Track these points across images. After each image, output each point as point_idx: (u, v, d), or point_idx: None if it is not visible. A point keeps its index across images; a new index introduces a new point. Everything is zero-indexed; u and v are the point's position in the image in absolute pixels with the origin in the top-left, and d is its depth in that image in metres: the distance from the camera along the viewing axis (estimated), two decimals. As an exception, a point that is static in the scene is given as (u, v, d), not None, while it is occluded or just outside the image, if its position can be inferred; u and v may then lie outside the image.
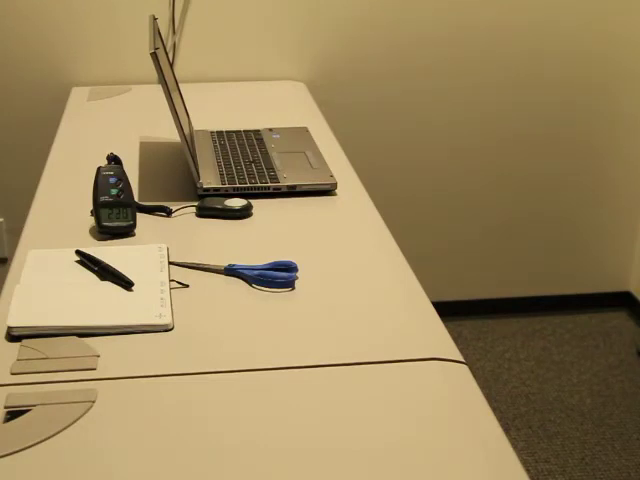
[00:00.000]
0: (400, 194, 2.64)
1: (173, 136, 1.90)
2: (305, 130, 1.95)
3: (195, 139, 1.85)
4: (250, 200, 1.56)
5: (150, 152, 1.84)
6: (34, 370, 1.08)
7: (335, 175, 1.70)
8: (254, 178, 1.65)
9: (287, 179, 1.65)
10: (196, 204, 1.55)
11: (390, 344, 1.15)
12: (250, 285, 1.30)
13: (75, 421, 0.99)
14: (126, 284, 1.26)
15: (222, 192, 1.60)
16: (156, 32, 1.64)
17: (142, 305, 1.21)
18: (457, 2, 2.45)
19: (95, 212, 1.44)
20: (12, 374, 1.08)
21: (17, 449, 0.94)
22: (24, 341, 1.14)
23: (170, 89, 1.55)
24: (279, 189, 1.63)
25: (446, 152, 2.62)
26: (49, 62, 2.38)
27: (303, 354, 1.13)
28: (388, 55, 2.48)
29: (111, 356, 1.12)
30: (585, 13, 2.51)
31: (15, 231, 2.47)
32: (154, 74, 2.38)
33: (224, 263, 1.34)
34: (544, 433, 2.32)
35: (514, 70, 2.54)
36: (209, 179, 1.63)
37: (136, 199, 1.55)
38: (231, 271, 1.33)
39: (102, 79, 2.41)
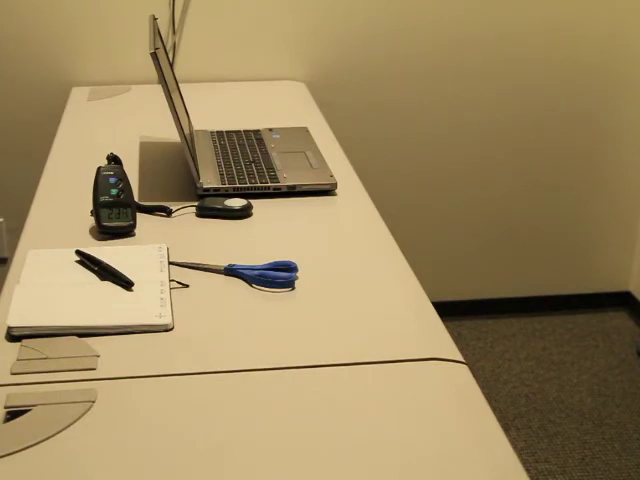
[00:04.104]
0: (400, 194, 2.64)
1: (173, 136, 1.90)
2: (305, 130, 1.95)
3: (195, 139, 1.85)
4: (250, 200, 1.56)
5: (150, 152, 1.84)
6: (34, 370, 1.08)
7: (335, 175, 1.70)
8: (254, 178, 1.65)
9: (287, 179, 1.65)
10: (196, 204, 1.55)
11: (390, 344, 1.15)
12: (250, 285, 1.30)
13: (75, 421, 0.99)
14: (126, 284, 1.26)
15: (222, 192, 1.60)
16: (156, 32, 1.64)
17: (142, 305, 1.21)
18: (458, 6, 2.45)
19: (95, 212, 1.44)
20: (12, 374, 1.08)
21: (17, 449, 0.94)
22: (24, 341, 1.14)
23: (170, 89, 1.55)
24: (279, 189, 1.63)
25: (446, 152, 2.62)
26: (49, 62, 2.38)
27: (303, 354, 1.13)
28: (388, 55, 2.48)
29: (111, 356, 1.12)
30: (585, 20, 2.51)
31: (15, 231, 2.47)
32: (154, 74, 2.38)
33: (224, 263, 1.34)
34: (544, 433, 2.32)
35: (515, 71, 2.54)
36: (209, 179, 1.63)
37: (136, 199, 1.55)
38: (231, 271, 1.33)
39: (102, 79, 2.41)
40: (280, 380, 1.07)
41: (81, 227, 1.48)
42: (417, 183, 2.64)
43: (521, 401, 2.45)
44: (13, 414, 1.00)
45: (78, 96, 2.26)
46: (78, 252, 1.34)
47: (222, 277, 1.32)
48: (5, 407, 1.01)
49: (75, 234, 1.45)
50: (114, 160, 1.54)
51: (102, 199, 1.43)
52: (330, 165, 1.75)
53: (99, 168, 1.47)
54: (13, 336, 1.15)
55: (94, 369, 1.09)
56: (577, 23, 2.52)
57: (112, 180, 1.46)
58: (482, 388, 2.50)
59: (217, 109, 2.17)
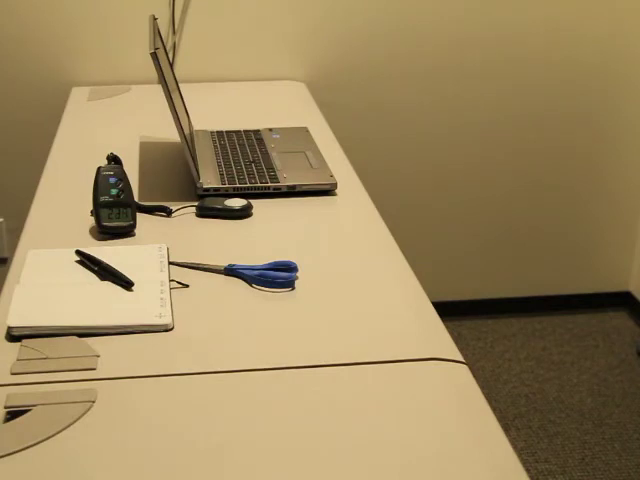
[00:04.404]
0: (400, 194, 2.64)
1: (173, 136, 1.90)
2: (305, 130, 1.95)
3: (195, 139, 1.85)
4: (250, 200, 1.56)
5: (150, 152, 1.84)
6: (34, 370, 1.08)
7: (335, 175, 1.70)
8: (254, 178, 1.65)
9: (287, 179, 1.65)
10: (196, 204, 1.55)
11: (390, 344, 1.15)
12: (250, 285, 1.30)
13: (75, 421, 0.99)
14: (126, 284, 1.26)
15: (222, 192, 1.60)
16: (156, 32, 1.64)
17: (142, 305, 1.21)
18: (458, 6, 2.45)
19: (95, 212, 1.44)
20: (12, 374, 1.08)
21: (17, 449, 0.94)
22: (24, 341, 1.14)
23: (170, 89, 1.55)
24: (279, 189, 1.63)
25: (446, 152, 2.62)
26: (49, 62, 2.38)
27: (303, 354, 1.13)
28: (388, 55, 2.48)
29: (111, 356, 1.12)
30: (585, 20, 2.51)
31: (15, 231, 2.47)
32: (154, 74, 2.38)
33: (224, 263, 1.34)
34: (544, 433, 2.32)
35: (515, 71, 2.54)
36: (209, 179, 1.63)
37: (136, 199, 1.55)
38: (231, 271, 1.33)
39: (102, 79, 2.41)
40: (280, 380, 1.07)
41: (81, 227, 1.48)
42: (417, 183, 2.64)
43: (521, 401, 2.45)
44: (13, 414, 1.00)
45: (78, 96, 2.26)
46: (78, 252, 1.34)
47: (222, 277, 1.32)
48: (5, 407, 1.01)
49: (75, 234, 1.45)
50: (114, 160, 1.54)
51: (102, 199, 1.43)
52: (330, 165, 1.75)
53: (99, 168, 1.47)
54: (13, 336, 1.15)
55: (94, 369, 1.09)
56: (577, 23, 2.52)
57: (112, 180, 1.46)
58: (482, 388, 2.50)
59: (217, 109, 2.17)
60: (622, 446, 2.28)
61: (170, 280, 1.29)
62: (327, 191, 1.65)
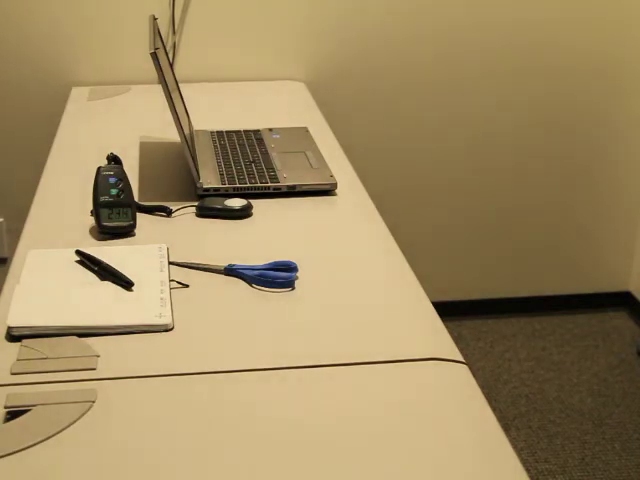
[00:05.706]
0: (400, 194, 2.64)
1: (173, 136, 1.90)
2: (305, 130, 1.95)
3: (195, 139, 1.85)
4: (250, 200, 1.56)
5: (150, 152, 1.84)
6: (34, 370, 1.08)
7: (335, 175, 1.70)
8: (254, 178, 1.65)
9: (287, 179, 1.65)
10: (196, 204, 1.55)
11: (390, 344, 1.15)
12: (250, 285, 1.30)
13: (75, 421, 0.99)
14: (126, 284, 1.26)
15: (222, 192, 1.60)
16: (156, 32, 1.64)
17: (142, 305, 1.21)
18: (459, 8, 2.45)
19: (95, 212, 1.44)
20: (12, 374, 1.08)
21: (17, 449, 0.94)
22: (24, 341, 1.14)
23: (170, 89, 1.55)
24: (279, 189, 1.63)
25: (447, 152, 2.61)
26: (49, 62, 2.38)
27: (303, 354, 1.13)
28: (388, 55, 2.48)
29: (111, 356, 1.12)
30: (584, 28, 2.51)
31: (15, 231, 2.47)
32: (154, 74, 2.38)
33: (224, 263, 1.34)
34: (544, 433, 2.32)
35: (516, 76, 2.55)
36: (209, 179, 1.63)
37: (136, 199, 1.55)
38: (231, 271, 1.33)
39: (102, 79, 2.41)
40: (280, 380, 1.07)
41: (81, 227, 1.48)
42: (417, 183, 2.64)
43: (521, 401, 2.45)
44: (13, 414, 1.00)
45: (78, 96, 2.26)
46: (78, 252, 1.34)
47: (222, 277, 1.32)
48: (5, 407, 1.01)
49: (75, 234, 1.45)
50: (114, 160, 1.54)
51: (102, 199, 1.43)
52: (330, 165, 1.75)
53: (99, 168, 1.47)
54: (13, 336, 1.15)
55: (94, 369, 1.09)
56: (574, 34, 2.52)
57: (112, 180, 1.46)
58: (482, 388, 2.50)
59: (217, 109, 2.17)
60: (622, 446, 2.28)
61: (170, 280, 1.29)
62: (327, 191, 1.65)
